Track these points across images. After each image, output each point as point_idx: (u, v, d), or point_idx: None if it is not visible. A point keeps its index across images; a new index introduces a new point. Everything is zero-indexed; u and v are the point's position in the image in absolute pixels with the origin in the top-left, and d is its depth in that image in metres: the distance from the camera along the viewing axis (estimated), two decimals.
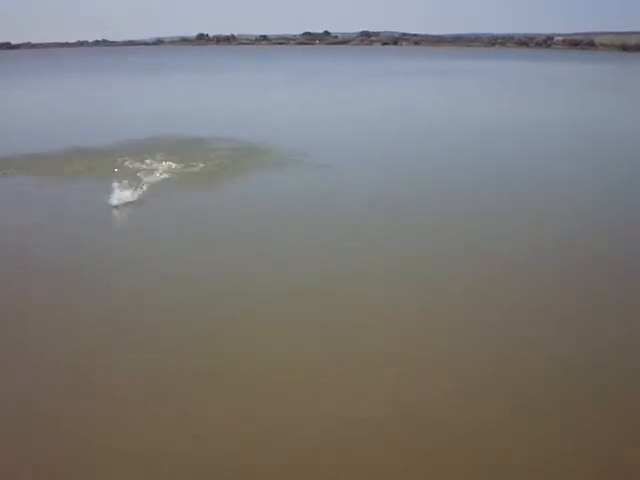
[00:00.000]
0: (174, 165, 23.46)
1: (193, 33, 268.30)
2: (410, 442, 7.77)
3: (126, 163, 23.70)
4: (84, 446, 7.74)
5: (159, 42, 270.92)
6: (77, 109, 43.90)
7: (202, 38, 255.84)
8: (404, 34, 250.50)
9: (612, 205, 18.88)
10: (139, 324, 11.04)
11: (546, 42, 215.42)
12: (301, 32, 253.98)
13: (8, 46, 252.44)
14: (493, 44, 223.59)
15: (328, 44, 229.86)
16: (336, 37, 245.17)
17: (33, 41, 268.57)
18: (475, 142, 29.62)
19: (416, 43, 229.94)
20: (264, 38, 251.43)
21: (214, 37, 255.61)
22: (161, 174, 22.10)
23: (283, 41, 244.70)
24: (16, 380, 9.24)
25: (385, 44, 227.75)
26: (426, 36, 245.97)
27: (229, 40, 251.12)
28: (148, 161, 23.95)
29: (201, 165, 23.62)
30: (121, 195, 18.41)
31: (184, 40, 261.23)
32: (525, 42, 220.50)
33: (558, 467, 7.37)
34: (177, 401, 8.61)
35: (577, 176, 22.46)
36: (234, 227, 16.71)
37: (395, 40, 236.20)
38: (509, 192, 20.37)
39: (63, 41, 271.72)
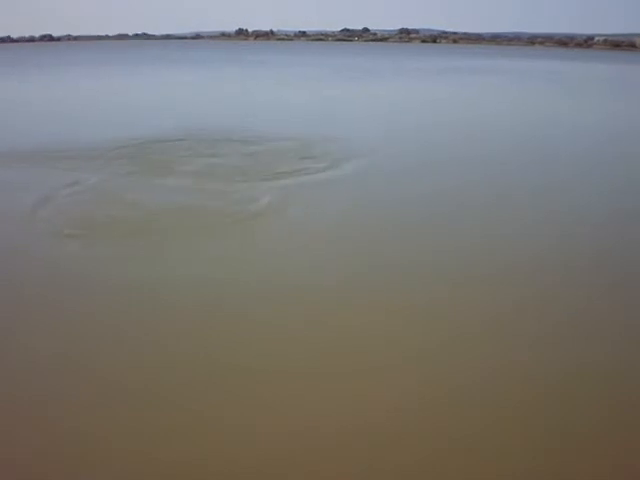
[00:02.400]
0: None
1: (232, 28, 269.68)
2: (414, 445, 7.69)
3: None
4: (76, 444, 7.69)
5: (198, 37, 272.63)
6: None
7: (241, 33, 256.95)
8: (443, 32, 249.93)
9: None
10: None
11: (586, 42, 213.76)
12: (340, 29, 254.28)
13: (50, 38, 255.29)
14: (532, 43, 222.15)
15: (366, 41, 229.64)
16: (375, 34, 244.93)
17: (74, 34, 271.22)
18: (536, 142, 29.24)
19: (455, 41, 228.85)
20: (303, 34, 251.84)
21: (253, 32, 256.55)
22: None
23: (321, 37, 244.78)
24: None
25: (424, 42, 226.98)
26: (465, 34, 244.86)
27: (268, 36, 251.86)
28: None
29: (316, 164, 22.85)
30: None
31: (223, 35, 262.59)
32: (565, 42, 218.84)
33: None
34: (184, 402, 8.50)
35: None
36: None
37: (434, 38, 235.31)
38: (583, 191, 19.89)
39: (103, 34, 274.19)
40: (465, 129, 33.09)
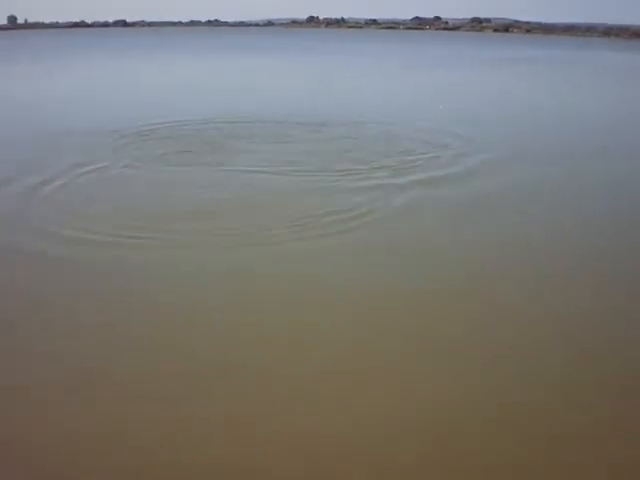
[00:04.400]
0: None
1: (303, 15, 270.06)
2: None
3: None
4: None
5: (269, 24, 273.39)
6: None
7: (312, 20, 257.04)
8: (515, 21, 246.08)
9: None
10: None
11: None
12: (411, 17, 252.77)
13: (124, 24, 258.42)
14: (607, 35, 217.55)
15: (438, 30, 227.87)
16: (446, 23, 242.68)
17: (147, 19, 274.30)
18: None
19: (528, 31, 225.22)
20: (373, 22, 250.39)
21: (324, 20, 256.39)
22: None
23: (392, 26, 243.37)
24: None
25: (496, 31, 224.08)
26: (538, 24, 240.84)
27: (339, 23, 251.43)
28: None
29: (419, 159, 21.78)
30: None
31: (294, 22, 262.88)
32: None
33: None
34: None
35: None
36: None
37: (506, 27, 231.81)
38: None
39: (176, 20, 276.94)
40: (560, 118, 33.17)
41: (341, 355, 9.40)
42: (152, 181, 19.11)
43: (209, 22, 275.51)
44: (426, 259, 13.52)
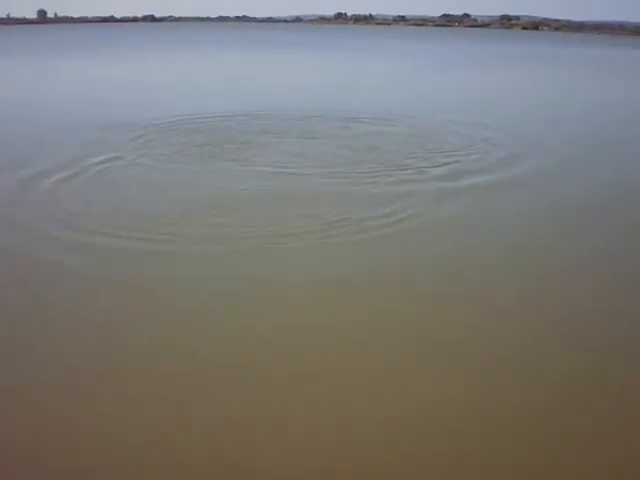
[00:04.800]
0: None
1: (331, 12, 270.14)
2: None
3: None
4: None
5: (297, 20, 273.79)
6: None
7: (340, 17, 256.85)
8: (545, 19, 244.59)
9: None
10: None
11: None
12: (439, 14, 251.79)
13: (152, 19, 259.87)
14: (638, 33, 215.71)
15: (466, 27, 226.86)
16: (475, 20, 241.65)
17: (176, 14, 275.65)
18: None
19: (557, 29, 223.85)
20: (402, 19, 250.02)
21: (352, 16, 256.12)
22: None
23: (421, 22, 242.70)
24: None
25: (524, 28, 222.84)
26: (567, 22, 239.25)
27: (367, 20, 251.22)
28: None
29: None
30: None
31: (322, 19, 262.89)
32: None
33: None
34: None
35: None
36: None
37: (535, 25, 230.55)
38: None
39: (204, 16, 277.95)
40: (601, 117, 32.87)
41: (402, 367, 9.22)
42: (167, 177, 18.72)
43: (237, 18, 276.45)
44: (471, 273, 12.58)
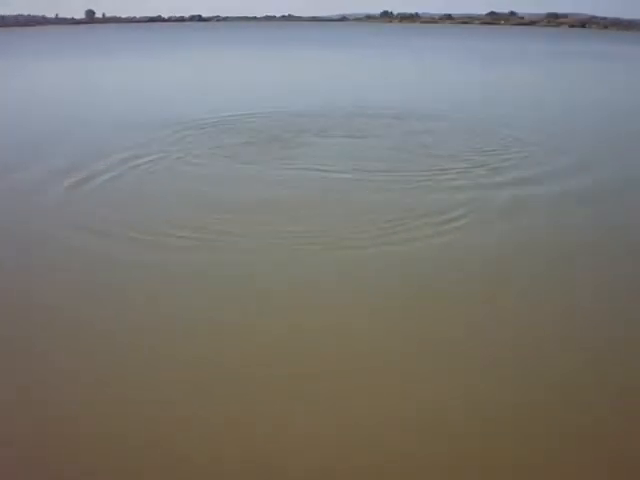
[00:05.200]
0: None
1: (377, 10, 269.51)
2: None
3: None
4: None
5: (343, 19, 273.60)
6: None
7: (386, 15, 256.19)
8: (593, 17, 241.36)
9: None
10: None
11: None
12: (486, 12, 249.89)
13: (199, 19, 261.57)
14: None
15: (513, 25, 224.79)
16: (522, 18, 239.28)
17: (222, 14, 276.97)
18: None
19: (605, 27, 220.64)
20: (448, 17, 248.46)
21: (398, 15, 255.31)
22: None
23: (467, 20, 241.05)
24: None
25: (572, 26, 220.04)
26: (616, 19, 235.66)
27: (413, 18, 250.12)
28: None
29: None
30: None
31: (368, 17, 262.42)
32: None
33: None
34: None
35: None
36: None
37: (583, 23, 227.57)
38: None
39: (251, 15, 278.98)
40: None
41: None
42: (212, 175, 18.57)
43: (283, 17, 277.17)
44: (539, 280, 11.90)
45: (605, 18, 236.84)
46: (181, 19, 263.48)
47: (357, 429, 7.62)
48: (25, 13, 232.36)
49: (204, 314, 10.35)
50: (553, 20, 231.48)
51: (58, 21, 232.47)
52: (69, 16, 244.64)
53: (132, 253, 12.77)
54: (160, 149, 21.55)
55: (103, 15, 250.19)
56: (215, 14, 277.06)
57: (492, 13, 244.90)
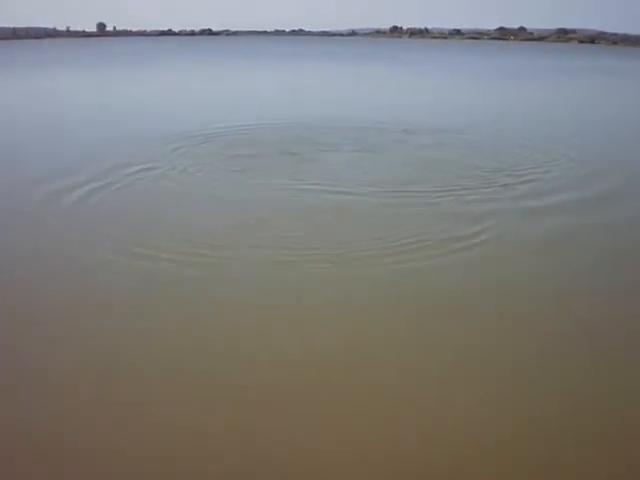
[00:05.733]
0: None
1: (387, 25, 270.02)
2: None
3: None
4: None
5: (353, 33, 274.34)
6: None
7: (395, 31, 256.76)
8: (602, 32, 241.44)
9: None
10: None
11: None
12: (495, 27, 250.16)
13: (209, 32, 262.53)
14: None
15: (522, 40, 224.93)
16: (531, 33, 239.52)
17: (232, 29, 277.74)
18: None
19: (614, 42, 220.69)
20: (457, 32, 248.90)
21: (407, 30, 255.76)
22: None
23: (476, 36, 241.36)
24: None
25: (581, 42, 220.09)
26: (625, 35, 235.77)
27: (422, 34, 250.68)
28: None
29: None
30: None
31: (378, 32, 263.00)
32: None
33: None
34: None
35: None
36: None
37: (592, 39, 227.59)
38: None
39: (261, 30, 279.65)
40: None
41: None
42: (214, 192, 18.08)
43: (293, 32, 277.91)
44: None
45: (615, 34, 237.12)
46: (191, 33, 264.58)
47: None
48: (36, 26, 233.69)
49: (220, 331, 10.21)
50: (562, 36, 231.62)
51: (69, 34, 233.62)
52: (80, 29, 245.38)
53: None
54: (151, 162, 21.26)
55: (114, 28, 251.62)
56: (225, 28, 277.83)
57: (501, 28, 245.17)
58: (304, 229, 14.66)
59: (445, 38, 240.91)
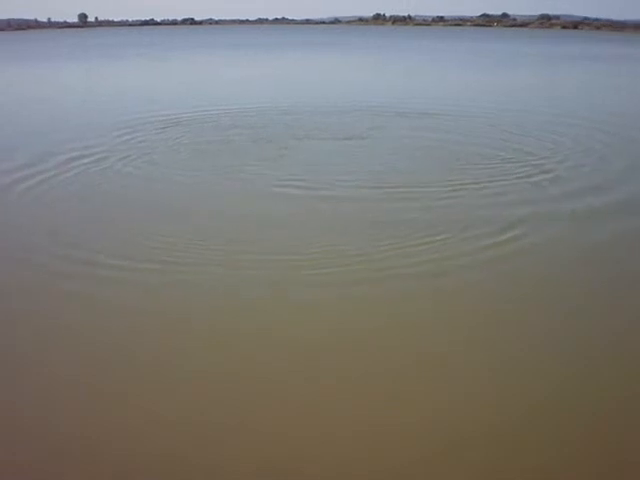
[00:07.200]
0: None
1: (370, 13, 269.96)
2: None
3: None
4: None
5: (336, 21, 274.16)
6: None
7: (379, 18, 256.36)
8: (585, 18, 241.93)
9: None
10: None
11: None
12: (478, 14, 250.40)
13: (192, 22, 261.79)
14: None
15: (505, 26, 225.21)
16: (514, 19, 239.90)
17: (215, 17, 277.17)
18: None
19: (597, 28, 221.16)
20: (441, 19, 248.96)
21: (390, 17, 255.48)
22: None
23: (459, 22, 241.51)
24: None
25: (564, 28, 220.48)
26: (608, 21, 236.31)
27: (405, 20, 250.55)
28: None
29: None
30: None
31: (360, 20, 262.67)
32: None
33: None
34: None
35: None
36: None
37: (575, 24, 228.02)
38: None
39: (244, 18, 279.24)
40: None
41: None
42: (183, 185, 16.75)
43: (276, 20, 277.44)
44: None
45: (598, 19, 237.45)
46: (174, 22, 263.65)
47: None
48: (17, 17, 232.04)
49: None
50: (546, 21, 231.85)
51: (51, 25, 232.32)
52: (62, 20, 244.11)
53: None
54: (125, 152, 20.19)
55: (96, 19, 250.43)
56: (208, 17, 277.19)
57: (484, 15, 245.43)
58: (285, 233, 13.10)
59: (428, 25, 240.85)
